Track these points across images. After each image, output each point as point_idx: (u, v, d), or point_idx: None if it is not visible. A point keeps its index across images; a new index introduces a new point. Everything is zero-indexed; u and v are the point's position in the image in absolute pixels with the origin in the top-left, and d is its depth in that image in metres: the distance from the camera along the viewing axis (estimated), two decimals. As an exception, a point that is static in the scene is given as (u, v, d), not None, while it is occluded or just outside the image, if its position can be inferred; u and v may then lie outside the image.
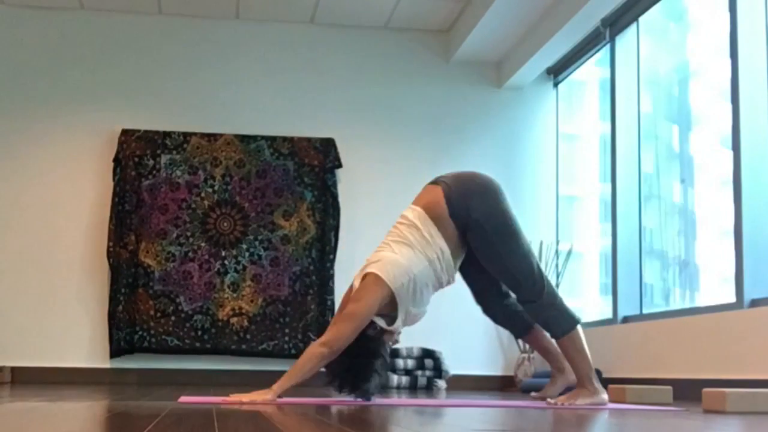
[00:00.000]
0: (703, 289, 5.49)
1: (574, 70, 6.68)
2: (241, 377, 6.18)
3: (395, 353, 6.29)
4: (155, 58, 6.62)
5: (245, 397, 3.39)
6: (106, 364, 6.25)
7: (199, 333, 6.26)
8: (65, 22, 6.55)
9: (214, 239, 6.35)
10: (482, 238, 3.62)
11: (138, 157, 6.37)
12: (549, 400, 3.68)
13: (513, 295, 3.85)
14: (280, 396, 3.46)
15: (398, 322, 3.61)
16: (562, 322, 3.64)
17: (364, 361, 3.56)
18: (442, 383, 6.25)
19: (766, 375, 4.06)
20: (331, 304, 6.33)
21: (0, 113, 6.43)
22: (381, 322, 3.60)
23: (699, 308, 4.95)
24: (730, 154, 4.56)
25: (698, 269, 5.60)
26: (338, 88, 6.74)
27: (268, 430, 2.09)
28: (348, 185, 6.59)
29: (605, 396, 3.65)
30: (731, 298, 4.50)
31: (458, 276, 3.86)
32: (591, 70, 6.86)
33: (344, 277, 6.29)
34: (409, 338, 6.47)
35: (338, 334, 3.50)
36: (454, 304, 6.57)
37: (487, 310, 3.94)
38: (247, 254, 6.37)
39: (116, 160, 6.36)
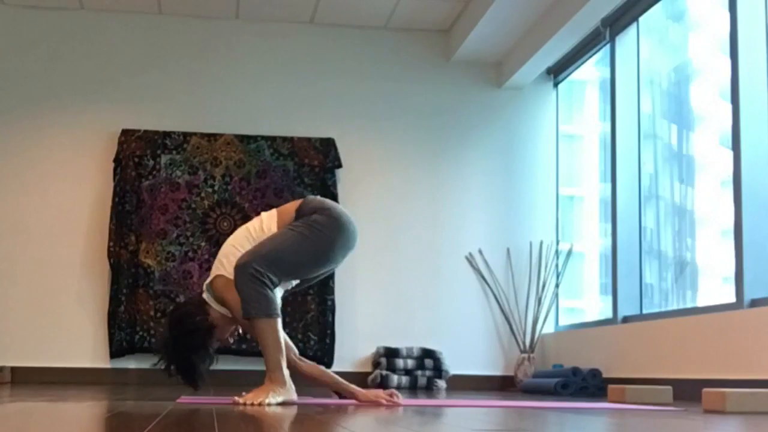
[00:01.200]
0: (703, 289, 5.49)
1: (574, 70, 6.68)
2: (241, 377, 6.17)
3: (395, 353, 6.29)
4: (155, 58, 6.62)
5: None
6: (107, 364, 6.25)
7: (199, 333, 6.25)
8: (65, 22, 6.55)
9: (214, 239, 6.34)
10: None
11: (138, 158, 6.37)
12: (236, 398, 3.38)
13: None
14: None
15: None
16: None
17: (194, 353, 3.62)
18: (442, 383, 6.25)
19: (766, 375, 4.06)
20: (332, 304, 6.32)
21: (0, 113, 6.44)
22: (223, 310, 3.64)
23: (699, 308, 4.95)
24: (730, 154, 4.56)
25: (698, 269, 5.60)
26: (338, 88, 6.74)
27: (268, 430, 2.10)
28: (348, 185, 6.59)
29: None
30: (731, 298, 4.50)
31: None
32: (591, 70, 6.86)
33: (344, 276, 6.29)
34: (409, 338, 6.48)
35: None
36: (454, 304, 6.59)
37: None
38: (247, 254, 6.36)
39: (116, 161, 6.36)
